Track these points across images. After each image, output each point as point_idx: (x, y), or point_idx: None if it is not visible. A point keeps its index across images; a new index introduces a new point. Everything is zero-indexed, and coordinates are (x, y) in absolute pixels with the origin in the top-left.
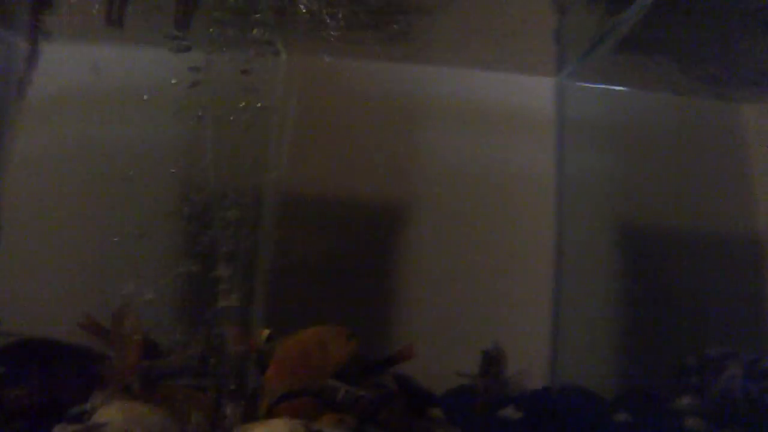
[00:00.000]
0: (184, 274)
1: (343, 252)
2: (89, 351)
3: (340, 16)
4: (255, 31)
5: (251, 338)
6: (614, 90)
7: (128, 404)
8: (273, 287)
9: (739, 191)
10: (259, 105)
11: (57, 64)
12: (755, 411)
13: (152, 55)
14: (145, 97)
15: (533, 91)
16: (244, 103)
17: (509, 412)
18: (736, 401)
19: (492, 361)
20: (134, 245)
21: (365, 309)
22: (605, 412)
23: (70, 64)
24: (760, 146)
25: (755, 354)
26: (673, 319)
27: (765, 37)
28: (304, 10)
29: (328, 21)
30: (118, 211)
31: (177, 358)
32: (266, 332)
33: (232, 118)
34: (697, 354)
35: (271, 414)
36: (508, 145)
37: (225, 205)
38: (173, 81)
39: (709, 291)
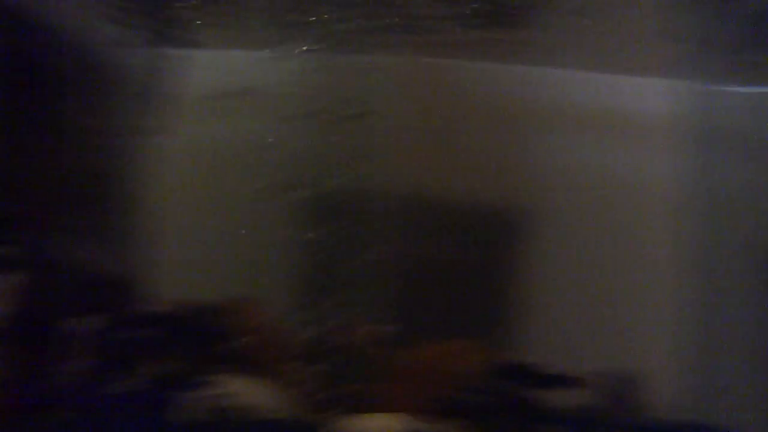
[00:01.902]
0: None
1: (462, 257)
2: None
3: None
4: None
5: (374, 334)
6: (755, 92)
7: (247, 378)
8: (399, 288)
9: None
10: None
11: (203, 70)
12: None
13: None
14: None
15: (662, 95)
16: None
17: None
18: None
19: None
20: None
21: (486, 314)
22: None
23: (212, 69)
24: None
25: None
26: None
27: None
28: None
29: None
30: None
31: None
32: (388, 330)
33: (343, 120)
34: None
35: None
36: (633, 151)
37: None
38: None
39: None
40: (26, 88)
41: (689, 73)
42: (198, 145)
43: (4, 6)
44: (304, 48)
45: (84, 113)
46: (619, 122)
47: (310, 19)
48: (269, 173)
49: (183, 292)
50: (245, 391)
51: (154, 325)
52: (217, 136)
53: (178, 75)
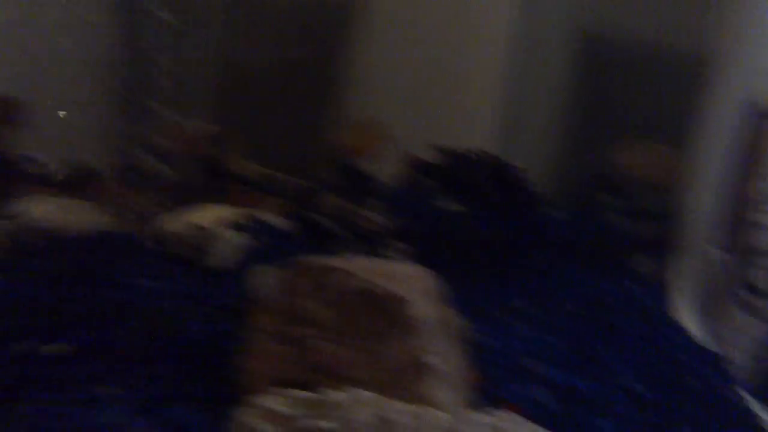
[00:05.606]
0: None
1: (290, 50)
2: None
3: None
4: None
5: (193, 136)
6: None
7: (55, 198)
8: (222, 85)
9: (693, 12)
10: None
11: None
12: None
13: None
14: None
15: None
16: None
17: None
18: None
19: None
20: None
21: (318, 99)
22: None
23: None
24: None
25: None
26: (608, 125)
27: None
28: None
29: None
30: None
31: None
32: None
33: None
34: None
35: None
36: None
37: None
38: None
39: (645, 102)
40: None
41: None
42: None
43: None
44: None
45: None
46: None
47: None
48: None
49: None
50: (55, 209)
51: None
52: None
53: None
